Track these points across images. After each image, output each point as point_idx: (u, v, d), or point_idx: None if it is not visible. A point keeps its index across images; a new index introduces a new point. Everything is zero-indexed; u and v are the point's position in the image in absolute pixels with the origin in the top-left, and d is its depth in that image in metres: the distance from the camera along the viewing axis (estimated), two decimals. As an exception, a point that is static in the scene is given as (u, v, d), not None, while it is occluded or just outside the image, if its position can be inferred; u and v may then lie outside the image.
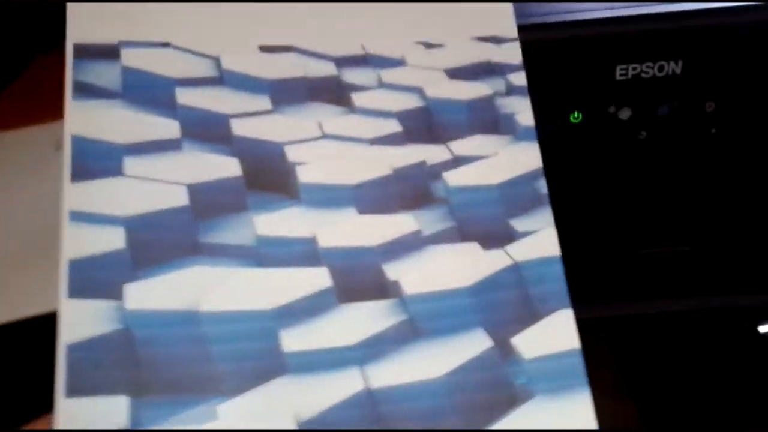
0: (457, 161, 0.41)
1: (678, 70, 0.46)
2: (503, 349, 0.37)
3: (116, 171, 0.38)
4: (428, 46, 0.43)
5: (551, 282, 0.38)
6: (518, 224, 0.39)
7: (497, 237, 0.39)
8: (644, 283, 0.50)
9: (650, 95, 0.47)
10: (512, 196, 0.40)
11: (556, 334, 0.37)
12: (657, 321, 0.52)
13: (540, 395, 0.36)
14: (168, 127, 0.39)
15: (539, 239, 0.39)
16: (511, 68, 0.42)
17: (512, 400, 0.36)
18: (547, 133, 0.41)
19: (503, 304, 0.38)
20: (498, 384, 0.36)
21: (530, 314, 0.38)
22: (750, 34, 0.45)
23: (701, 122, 0.48)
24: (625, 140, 0.48)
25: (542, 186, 0.40)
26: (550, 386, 0.36)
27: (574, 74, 0.47)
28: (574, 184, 0.48)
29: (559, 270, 0.38)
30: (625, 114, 0.47)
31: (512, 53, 0.42)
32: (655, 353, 0.55)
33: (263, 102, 0.41)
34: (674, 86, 0.47)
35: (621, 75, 0.46)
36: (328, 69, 0.42)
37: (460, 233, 0.39)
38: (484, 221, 0.39)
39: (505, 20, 0.42)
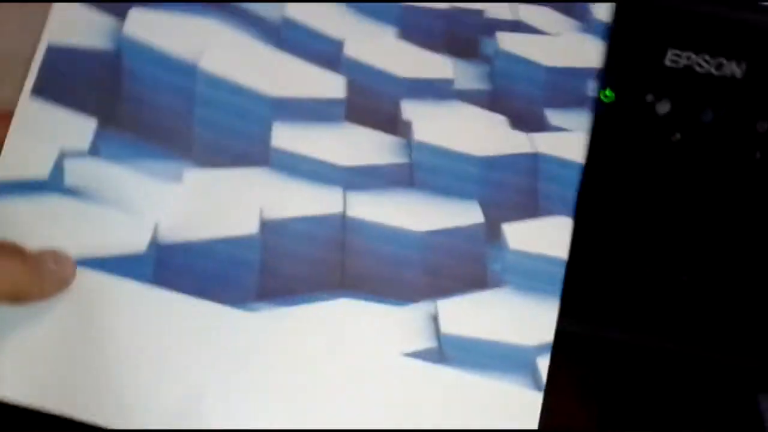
0: (518, 26, 0.37)
1: (739, 74, 0.37)
2: (491, 231, 0.35)
3: None
4: None
5: (563, 185, 0.35)
6: (553, 116, 0.36)
7: (528, 120, 0.36)
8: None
9: (698, 94, 0.38)
10: (557, 85, 0.37)
11: (548, 236, 0.35)
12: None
13: (509, 287, 0.34)
14: None
15: (567, 139, 0.36)
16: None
17: (480, 281, 0.34)
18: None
19: (508, 188, 0.35)
20: (473, 261, 0.34)
21: (531, 207, 0.35)
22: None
23: (748, 141, 0.39)
24: (654, 137, 0.39)
25: (590, 88, 0.37)
26: (522, 282, 0.34)
27: (620, 48, 0.37)
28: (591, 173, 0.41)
29: (574, 176, 0.36)
30: (663, 108, 0.40)
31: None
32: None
33: None
34: (729, 91, 0.38)
35: (671, 61, 0.39)
36: None
37: (492, 101, 0.36)
38: (520, 98, 0.36)
39: None
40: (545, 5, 0.37)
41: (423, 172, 0.35)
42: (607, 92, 0.37)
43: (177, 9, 0.33)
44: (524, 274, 0.34)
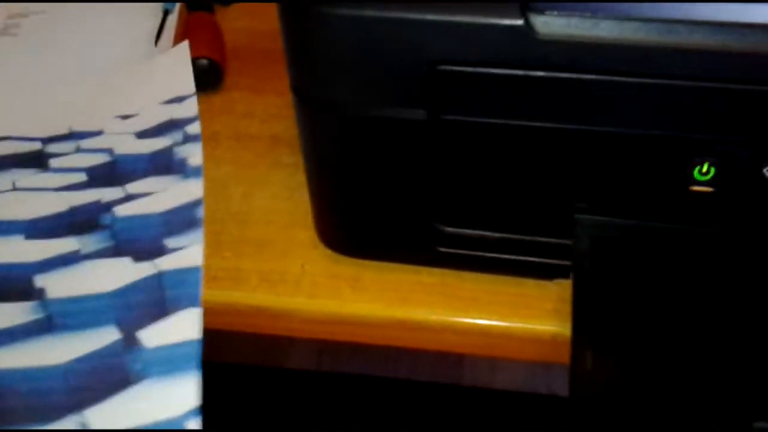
0: (130, 197, 0.46)
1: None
2: (129, 341, 0.39)
3: None
4: (125, 117, 0.51)
5: (188, 286, 0.41)
6: (171, 242, 0.44)
7: (150, 252, 0.43)
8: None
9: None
10: (172, 221, 0.45)
11: (179, 327, 0.39)
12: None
13: (150, 378, 0.38)
14: None
15: (185, 253, 0.43)
16: (189, 120, 0.50)
17: (124, 383, 0.38)
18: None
19: (140, 305, 0.41)
20: (114, 369, 0.38)
21: (163, 312, 0.40)
22: None
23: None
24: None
25: (199, 212, 0.45)
26: (161, 370, 0.38)
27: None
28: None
29: (196, 277, 0.42)
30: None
31: (190, 108, 0.50)
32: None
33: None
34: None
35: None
36: (34, 146, 0.50)
37: (116, 251, 0.43)
38: (141, 241, 0.44)
39: (185, 81, 0.51)
40: (148, 178, 0.47)
41: (60, 318, 0.40)
42: (705, 167, 0.33)
43: None
44: (162, 363, 0.38)
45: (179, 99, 0.51)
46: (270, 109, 0.52)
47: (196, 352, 0.39)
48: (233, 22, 0.59)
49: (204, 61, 0.53)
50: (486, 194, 0.37)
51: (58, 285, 0.42)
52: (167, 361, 0.38)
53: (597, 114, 0.32)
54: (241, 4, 0.61)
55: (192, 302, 0.41)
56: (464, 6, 0.31)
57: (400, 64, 0.32)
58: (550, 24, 0.30)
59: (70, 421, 0.36)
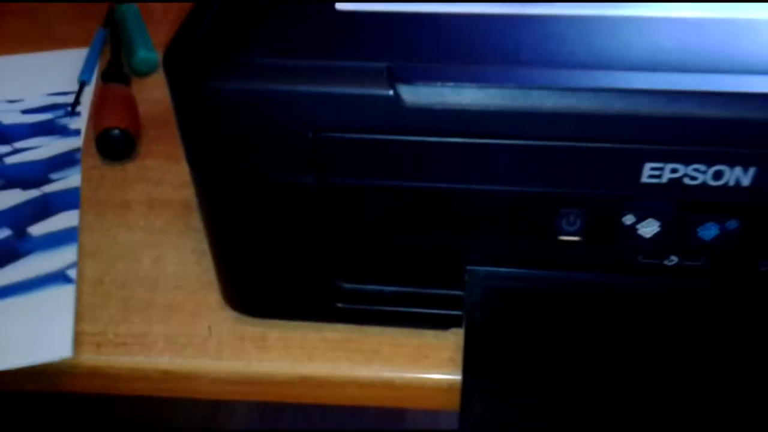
0: (17, 151, 0.57)
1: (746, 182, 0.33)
2: (19, 234, 0.50)
3: None
4: (11, 101, 0.62)
5: (69, 198, 0.52)
6: (55, 176, 0.54)
7: (37, 183, 0.54)
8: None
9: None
10: (55, 163, 0.55)
11: (61, 220, 0.50)
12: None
13: (36, 252, 0.48)
14: None
15: (67, 181, 0.53)
16: (70, 104, 0.61)
17: (16, 257, 0.48)
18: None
19: (29, 215, 0.51)
20: (7, 252, 0.48)
21: (47, 215, 0.51)
22: None
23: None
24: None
25: (78, 155, 0.55)
26: (46, 246, 0.48)
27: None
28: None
29: (75, 194, 0.52)
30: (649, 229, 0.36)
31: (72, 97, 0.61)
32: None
33: None
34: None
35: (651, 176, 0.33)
36: None
37: (7, 185, 0.54)
38: (28, 179, 0.54)
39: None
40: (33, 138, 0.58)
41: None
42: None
43: None
44: (47, 242, 0.49)
45: (63, 93, 0.62)
46: (184, 176, 0.54)
47: (75, 233, 0.49)
48: (150, 92, 0.61)
49: (116, 131, 0.54)
50: (380, 251, 0.39)
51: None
52: (51, 240, 0.49)
53: (465, 173, 0.34)
54: (158, 74, 0.63)
55: (73, 207, 0.51)
56: (341, 77, 0.33)
57: (286, 132, 0.34)
58: (416, 93, 0.32)
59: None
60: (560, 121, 0.32)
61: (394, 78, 0.32)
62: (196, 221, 0.50)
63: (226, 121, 0.34)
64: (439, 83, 0.32)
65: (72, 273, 0.47)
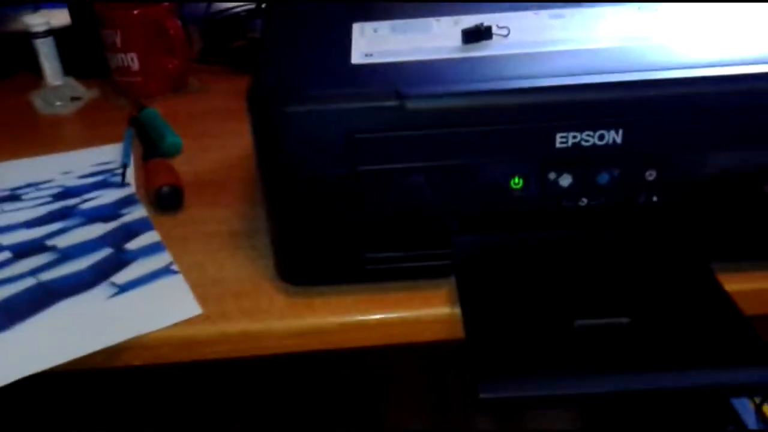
0: (86, 201, 0.75)
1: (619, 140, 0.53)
2: (119, 251, 0.67)
3: None
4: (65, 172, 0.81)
5: (142, 228, 0.69)
6: (122, 212, 0.72)
7: (112, 218, 0.71)
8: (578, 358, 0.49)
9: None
10: (119, 204, 0.74)
11: (144, 240, 0.67)
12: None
13: (138, 260, 0.65)
14: None
15: (133, 215, 0.71)
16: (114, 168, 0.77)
17: (126, 264, 0.65)
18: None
19: (118, 237, 0.68)
20: (116, 261, 0.65)
21: (134, 237, 0.68)
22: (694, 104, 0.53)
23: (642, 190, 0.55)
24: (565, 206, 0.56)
25: (134, 198, 0.73)
26: (143, 255, 0.65)
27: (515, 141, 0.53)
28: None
29: (147, 223, 0.69)
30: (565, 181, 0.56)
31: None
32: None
33: None
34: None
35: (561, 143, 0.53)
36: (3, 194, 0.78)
37: (90, 222, 0.71)
38: (103, 216, 0.72)
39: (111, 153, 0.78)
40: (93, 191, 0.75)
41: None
42: (516, 179, 0.55)
43: None
44: (143, 253, 0.66)
45: (106, 163, 0.83)
46: (224, 217, 0.71)
47: (162, 245, 0.67)
48: (180, 167, 0.79)
49: (167, 189, 0.70)
50: (392, 226, 0.57)
51: (62, 242, 0.68)
52: (146, 250, 0.66)
53: (447, 155, 0.54)
54: (184, 154, 0.80)
55: (150, 229, 0.69)
56: (365, 97, 0.52)
57: (329, 135, 0.53)
58: (415, 102, 0.52)
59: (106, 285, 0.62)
60: (504, 111, 0.52)
61: (399, 95, 0.51)
62: (241, 241, 0.67)
63: (291, 133, 0.53)
64: (432, 94, 0.52)
65: (175, 267, 0.63)
